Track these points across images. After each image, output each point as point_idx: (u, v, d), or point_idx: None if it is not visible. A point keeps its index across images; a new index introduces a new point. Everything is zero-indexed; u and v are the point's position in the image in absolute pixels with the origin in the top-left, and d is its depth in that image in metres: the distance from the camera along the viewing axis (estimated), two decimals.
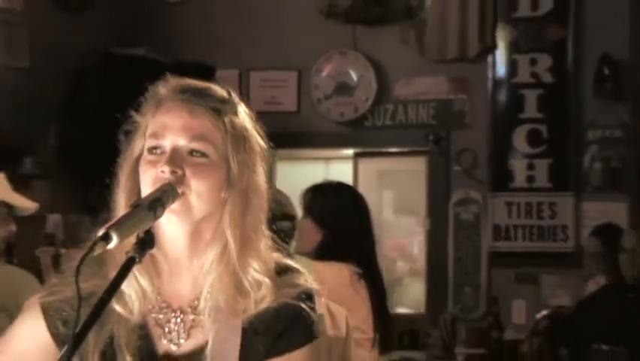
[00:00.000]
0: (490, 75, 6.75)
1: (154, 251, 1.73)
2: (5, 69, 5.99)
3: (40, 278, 3.70)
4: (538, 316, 6.05)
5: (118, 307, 1.77)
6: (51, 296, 1.83)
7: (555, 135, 6.61)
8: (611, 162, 6.50)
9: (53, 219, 5.67)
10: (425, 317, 6.84)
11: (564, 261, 6.53)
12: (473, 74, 6.77)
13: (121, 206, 1.79)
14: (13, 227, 3.66)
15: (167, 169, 1.73)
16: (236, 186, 1.78)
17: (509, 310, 6.59)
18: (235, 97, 1.84)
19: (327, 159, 7.71)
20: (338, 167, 7.41)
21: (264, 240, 1.82)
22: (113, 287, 1.63)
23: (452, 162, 6.83)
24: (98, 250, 1.57)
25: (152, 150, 1.77)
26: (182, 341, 1.79)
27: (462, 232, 6.78)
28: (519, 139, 6.65)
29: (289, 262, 1.86)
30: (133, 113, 1.84)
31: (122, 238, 1.59)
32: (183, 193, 1.73)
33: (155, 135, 1.78)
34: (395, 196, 7.49)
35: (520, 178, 6.67)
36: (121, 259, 1.67)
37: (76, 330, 1.57)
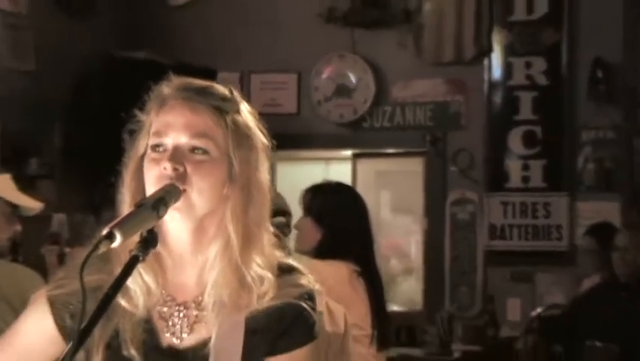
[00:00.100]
0: (485, 78, 6.77)
1: (158, 248, 1.73)
2: (11, 72, 6.01)
3: (46, 276, 3.58)
4: (533, 313, 6.06)
5: (123, 302, 1.78)
6: (58, 289, 1.83)
7: (549, 137, 6.63)
8: (604, 163, 6.53)
9: (58, 219, 5.62)
10: (422, 314, 6.84)
11: (558, 260, 6.55)
12: (469, 76, 6.79)
13: (126, 204, 1.79)
14: (18, 227, 3.62)
15: (169, 166, 1.73)
16: (238, 182, 1.78)
17: (505, 307, 6.62)
18: (237, 96, 1.84)
19: (327, 159, 7.70)
20: (337, 167, 7.41)
21: (267, 235, 1.82)
22: (118, 284, 1.64)
23: (449, 162, 6.85)
24: (102, 249, 1.58)
25: (155, 147, 1.78)
26: (184, 335, 1.79)
27: (458, 231, 6.81)
28: (514, 140, 6.68)
29: (292, 262, 1.86)
30: (137, 112, 1.84)
31: (125, 236, 1.60)
32: (185, 190, 1.73)
33: (158, 133, 1.78)
34: (393, 196, 7.49)
35: (515, 179, 6.69)
36: (125, 257, 1.68)
37: (82, 326, 1.58)
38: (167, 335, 1.80)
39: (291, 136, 6.48)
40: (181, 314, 1.80)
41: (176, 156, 1.75)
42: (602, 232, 5.57)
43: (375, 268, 3.68)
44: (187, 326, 1.80)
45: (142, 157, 1.80)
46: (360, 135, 7.06)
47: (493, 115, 6.77)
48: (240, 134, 1.80)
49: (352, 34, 6.95)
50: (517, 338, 6.15)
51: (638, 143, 6.51)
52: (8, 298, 3.30)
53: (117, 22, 6.97)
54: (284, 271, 1.82)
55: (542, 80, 6.65)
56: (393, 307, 6.39)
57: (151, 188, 1.75)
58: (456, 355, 6.30)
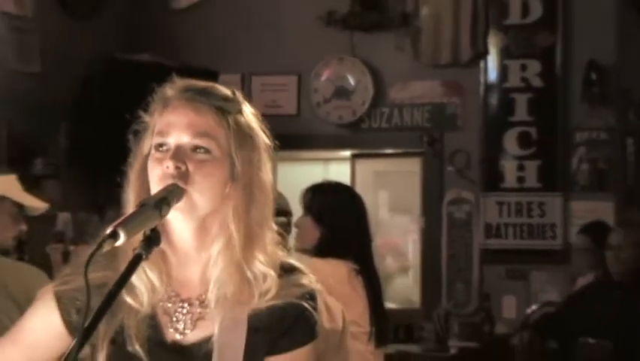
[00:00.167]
0: (482, 80, 6.78)
1: (162, 246, 1.74)
2: (17, 74, 6.03)
3: (51, 275, 3.61)
4: (528, 310, 6.08)
5: (128, 299, 1.79)
6: (65, 285, 1.84)
7: (544, 138, 6.65)
8: (597, 164, 6.55)
9: (63, 218, 5.64)
10: (420, 311, 6.85)
11: (553, 258, 6.57)
12: (466, 78, 6.80)
13: (131, 204, 1.80)
14: (23, 226, 3.65)
15: (171, 164, 1.74)
16: (240, 182, 1.79)
17: (500, 305, 6.64)
18: (240, 96, 1.85)
19: (326, 160, 7.73)
20: (336, 168, 7.44)
21: (270, 234, 1.82)
22: (122, 281, 1.65)
23: (446, 163, 6.87)
24: (106, 247, 1.59)
25: (158, 147, 1.79)
26: (188, 331, 1.80)
27: (455, 230, 6.83)
28: (510, 141, 6.70)
29: (294, 262, 1.87)
30: (141, 113, 1.85)
31: (128, 235, 1.61)
32: (187, 190, 1.74)
33: (161, 133, 1.79)
34: (391, 196, 7.50)
35: (510, 179, 6.72)
36: (131, 254, 1.69)
37: (86, 323, 1.59)
38: (171, 330, 1.81)
39: (291, 137, 6.28)
40: (185, 311, 1.81)
41: (179, 154, 1.76)
42: (596, 231, 5.56)
43: (373, 267, 3.70)
44: (191, 322, 1.81)
45: (146, 157, 1.82)
46: (359, 136, 7.07)
47: (489, 116, 6.79)
48: (242, 135, 1.81)
49: (351, 38, 6.95)
50: (512, 335, 6.15)
51: (631, 144, 6.58)
52: (14, 296, 3.34)
53: (121, 25, 6.97)
54: (286, 270, 1.83)
55: (537, 82, 6.67)
56: (391, 305, 6.39)
57: (155, 187, 1.77)
58: (452, 351, 6.30)
